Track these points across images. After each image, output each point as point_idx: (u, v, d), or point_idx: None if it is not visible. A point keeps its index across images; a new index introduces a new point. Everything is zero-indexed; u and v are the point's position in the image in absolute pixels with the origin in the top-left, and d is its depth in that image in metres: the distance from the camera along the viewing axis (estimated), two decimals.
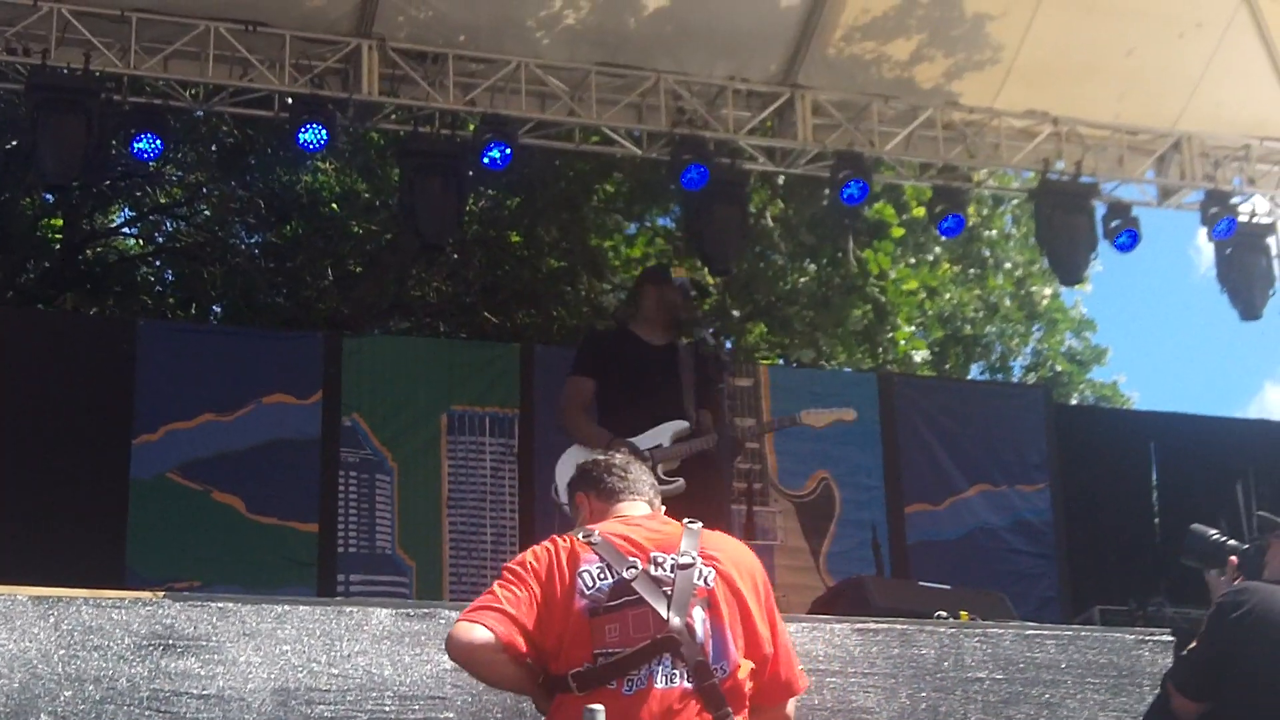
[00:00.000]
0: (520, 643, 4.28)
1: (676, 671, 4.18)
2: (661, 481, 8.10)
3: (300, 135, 10.57)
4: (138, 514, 10.80)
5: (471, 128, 11.27)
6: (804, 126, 11.77)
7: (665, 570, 4.32)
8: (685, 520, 4.58)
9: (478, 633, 4.25)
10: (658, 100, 11.53)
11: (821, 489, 12.11)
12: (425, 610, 5.21)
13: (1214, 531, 5.58)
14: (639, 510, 4.64)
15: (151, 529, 10.80)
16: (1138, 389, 34.60)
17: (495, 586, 4.38)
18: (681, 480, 8.23)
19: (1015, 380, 21.06)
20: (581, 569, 4.34)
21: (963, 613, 6.20)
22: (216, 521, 10.90)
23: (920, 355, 18.04)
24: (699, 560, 4.35)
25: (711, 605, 4.28)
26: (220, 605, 5.11)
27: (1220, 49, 12.08)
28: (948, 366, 19.40)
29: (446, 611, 5.29)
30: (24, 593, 5.10)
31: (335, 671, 5.08)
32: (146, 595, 5.09)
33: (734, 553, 4.50)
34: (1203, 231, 12.52)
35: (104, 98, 10.27)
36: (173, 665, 4.99)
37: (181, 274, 17.99)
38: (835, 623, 5.62)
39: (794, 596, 10.78)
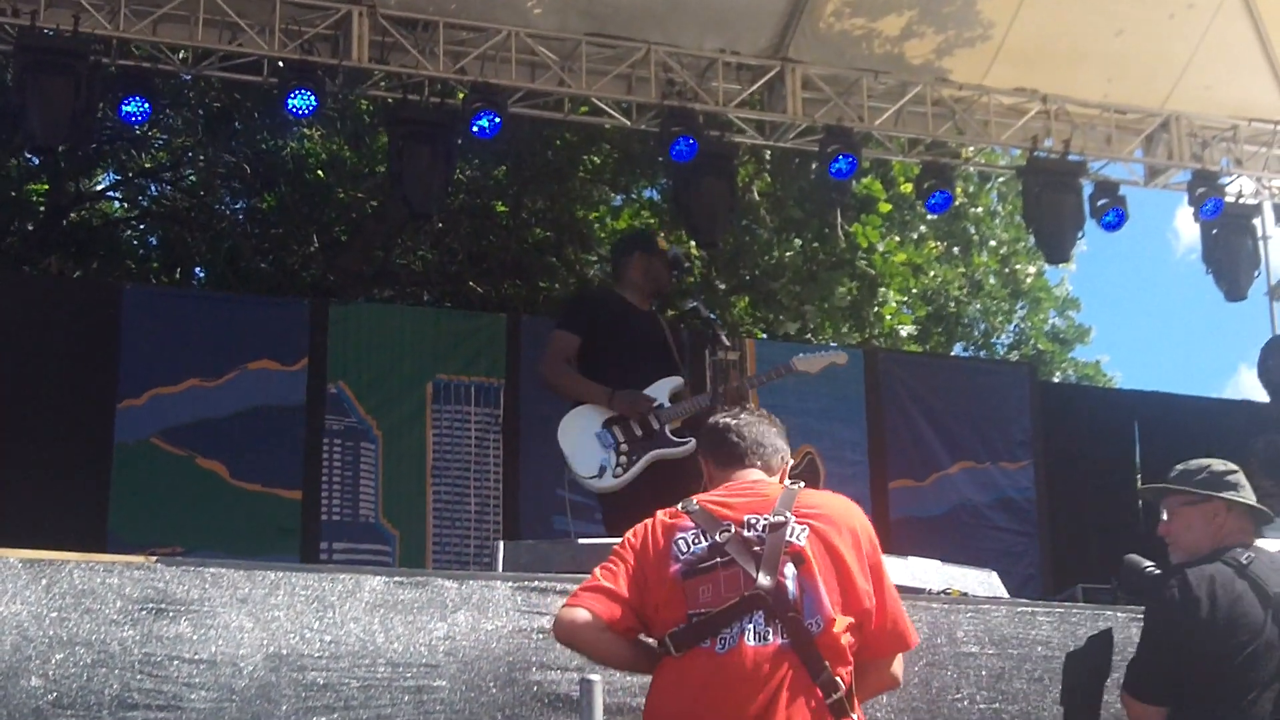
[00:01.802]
0: (623, 616, 4.38)
1: (769, 629, 4.20)
2: (671, 442, 8.12)
3: (289, 101, 10.53)
4: (121, 479, 10.74)
5: (461, 96, 11.21)
6: (793, 100, 11.76)
7: (758, 531, 4.37)
8: (787, 482, 4.61)
9: (579, 614, 4.38)
10: (648, 72, 11.52)
11: (806, 463, 12.06)
12: (418, 579, 5.19)
13: (1148, 564, 5.53)
14: (752, 476, 4.64)
15: (134, 494, 10.73)
16: (1120, 369, 34.58)
17: (596, 570, 4.51)
18: (692, 440, 8.14)
19: (998, 358, 21.10)
20: (677, 536, 4.43)
21: (953, 589, 6.19)
22: (199, 487, 10.84)
23: (907, 330, 18.01)
24: (792, 519, 4.37)
25: (803, 562, 4.29)
26: (213, 571, 5.09)
27: (1210, 30, 12.09)
28: (930, 345, 19.41)
29: (440, 580, 5.28)
30: (15, 555, 5.06)
31: (328, 638, 5.06)
32: (139, 559, 5.07)
33: (833, 509, 4.49)
34: (1181, 214, 12.65)
35: (92, 60, 10.22)
36: (165, 629, 4.97)
37: (166, 239, 17.89)
38: None
39: None
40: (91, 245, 17.08)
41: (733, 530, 4.36)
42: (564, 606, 4.43)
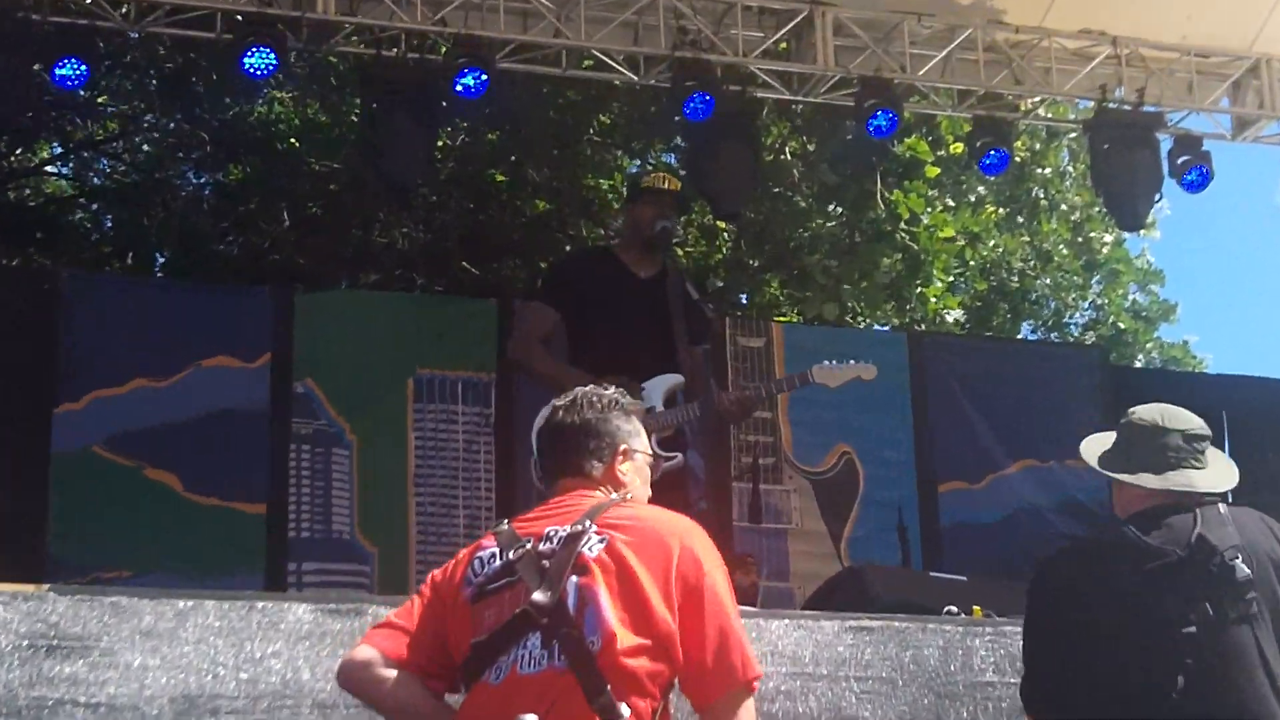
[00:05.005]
0: (415, 654, 4.31)
1: (546, 652, 4.14)
2: (657, 457, 7.95)
3: (245, 60, 10.48)
4: (60, 493, 10.79)
5: (443, 51, 11.17)
6: (824, 49, 11.67)
7: (554, 544, 4.30)
8: (613, 494, 4.54)
9: (360, 652, 4.33)
10: (656, 19, 11.44)
11: (843, 465, 12.06)
12: (350, 606, 5.15)
13: None
14: (571, 487, 4.59)
15: (76, 510, 10.77)
16: (1211, 350, 34.43)
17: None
18: (679, 456, 8.04)
19: (1071, 340, 21.01)
20: (475, 557, 4.38)
21: (975, 608, 6.14)
22: (150, 502, 10.89)
23: (953, 315, 17.94)
24: (592, 529, 4.31)
25: (586, 572, 4.23)
26: (113, 600, 5.05)
27: None
28: (995, 323, 19.33)
29: (376, 608, 5.23)
30: None
31: (244, 676, 5.02)
32: (29, 589, 5.03)
33: (649, 521, 4.40)
34: None
35: (20, 17, 10.19)
36: (57, 669, 4.93)
37: (119, 219, 17.92)
38: (825, 619, 5.56)
39: (811, 587, 10.71)
40: (31, 228, 17.11)
41: (528, 546, 4.33)
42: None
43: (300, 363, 11.36)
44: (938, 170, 16.94)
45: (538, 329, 8.34)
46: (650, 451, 4.80)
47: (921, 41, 11.91)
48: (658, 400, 8.06)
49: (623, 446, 4.62)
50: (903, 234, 16.70)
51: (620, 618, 4.15)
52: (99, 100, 16.57)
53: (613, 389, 4.75)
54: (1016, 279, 19.69)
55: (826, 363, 8.40)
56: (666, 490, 6.26)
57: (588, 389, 4.68)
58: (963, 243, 18.09)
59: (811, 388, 10.16)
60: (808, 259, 16.50)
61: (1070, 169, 19.53)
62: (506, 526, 4.41)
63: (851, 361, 8.49)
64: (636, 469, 4.69)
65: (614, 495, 4.49)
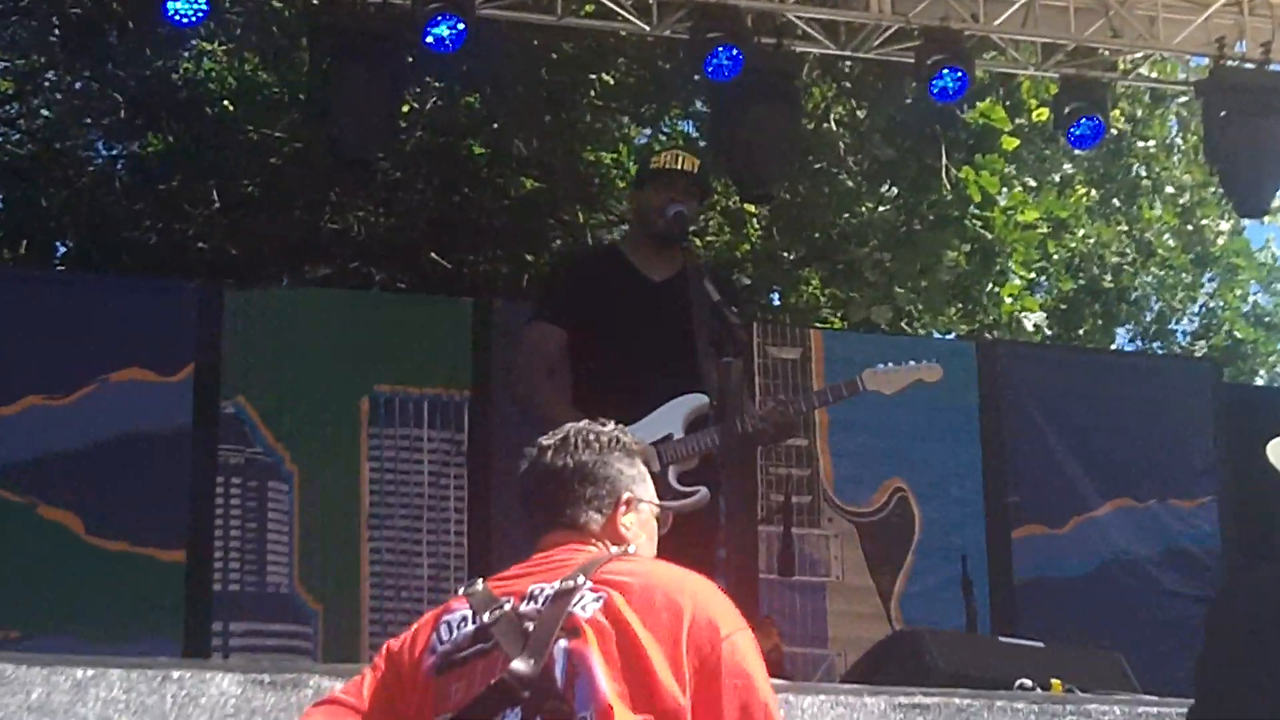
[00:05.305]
0: None
1: None
2: (676, 493, 7.95)
3: (168, 4, 10.54)
4: None
5: None
6: None
7: (539, 603, 4.31)
8: (613, 548, 4.53)
9: None
10: None
11: (895, 504, 12.06)
12: (287, 676, 5.17)
13: None
14: (560, 541, 4.60)
15: None
16: None
17: None
18: (703, 489, 8.04)
19: (1177, 351, 20.99)
20: (442, 622, 4.42)
21: (1055, 681, 6.15)
22: (44, 546, 10.87)
23: (1033, 320, 17.93)
24: (585, 585, 4.31)
25: (578, 635, 4.23)
26: None
27: None
28: (1084, 330, 19.32)
29: (319, 679, 5.24)
30: None
31: None
32: None
33: (654, 578, 4.41)
34: None
35: None
36: None
37: (11, 199, 17.96)
38: (870, 694, 5.57)
39: (854, 655, 10.71)
40: None
41: (506, 607, 4.34)
42: None
43: (230, 377, 11.36)
44: (1016, 142, 16.93)
45: (546, 358, 8.33)
46: (658, 501, 4.81)
47: None
48: (678, 427, 8.05)
49: (626, 495, 4.63)
50: (973, 220, 16.72)
51: (619, 690, 4.16)
52: None
53: (611, 425, 4.76)
54: (1111, 276, 19.72)
55: (880, 365, 8.40)
56: (687, 535, 6.29)
57: (581, 425, 4.69)
58: (1046, 231, 18.13)
59: (858, 405, 10.22)
60: (856, 251, 16.50)
61: (1179, 141, 19.60)
62: (481, 586, 4.43)
63: (910, 363, 8.46)
64: (642, 522, 4.70)
65: (614, 549, 4.49)
